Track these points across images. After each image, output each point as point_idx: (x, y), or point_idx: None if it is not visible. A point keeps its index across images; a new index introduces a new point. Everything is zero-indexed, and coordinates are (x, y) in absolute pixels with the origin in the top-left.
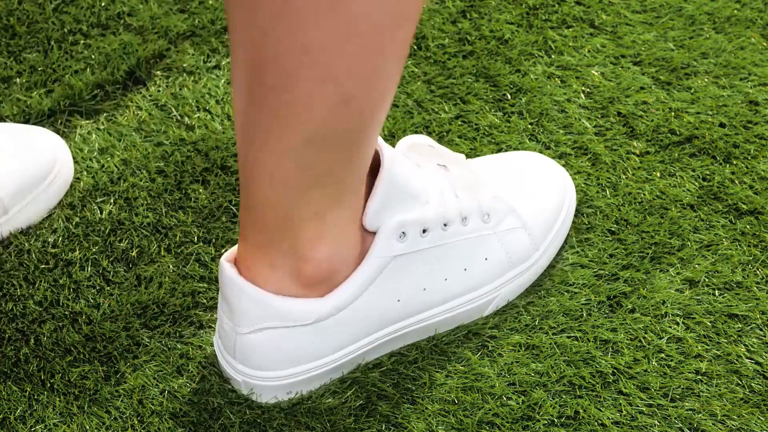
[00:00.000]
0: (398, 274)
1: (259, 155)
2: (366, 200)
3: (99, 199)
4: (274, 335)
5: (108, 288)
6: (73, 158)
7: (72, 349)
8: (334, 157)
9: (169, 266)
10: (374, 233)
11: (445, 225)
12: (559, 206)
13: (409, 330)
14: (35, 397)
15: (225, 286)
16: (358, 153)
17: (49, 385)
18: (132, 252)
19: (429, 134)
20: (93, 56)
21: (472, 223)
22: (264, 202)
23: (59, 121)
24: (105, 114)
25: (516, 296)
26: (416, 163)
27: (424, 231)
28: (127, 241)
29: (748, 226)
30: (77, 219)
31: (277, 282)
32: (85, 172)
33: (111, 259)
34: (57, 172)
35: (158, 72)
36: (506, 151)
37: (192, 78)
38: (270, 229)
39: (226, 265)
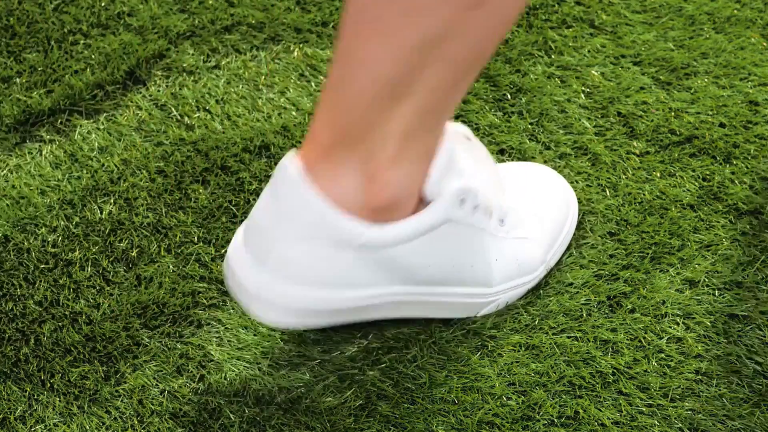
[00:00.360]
0: (443, 239)
1: (367, 47)
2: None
3: (99, 199)
4: (317, 248)
5: (108, 288)
6: (74, 158)
7: (72, 349)
8: (444, 71)
9: (169, 266)
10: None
11: (488, 212)
12: (563, 220)
13: (415, 300)
14: (35, 397)
15: (283, 184)
16: (465, 79)
17: (49, 385)
18: (132, 252)
19: None
20: (93, 56)
21: (494, 221)
22: (356, 102)
23: (59, 121)
24: (105, 114)
25: (507, 305)
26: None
27: (475, 207)
28: (127, 241)
29: (748, 226)
30: (77, 219)
31: (338, 195)
32: (85, 172)
33: (111, 259)
34: None
35: (158, 72)
36: (507, 150)
37: (192, 78)
38: (351, 134)
39: (290, 164)
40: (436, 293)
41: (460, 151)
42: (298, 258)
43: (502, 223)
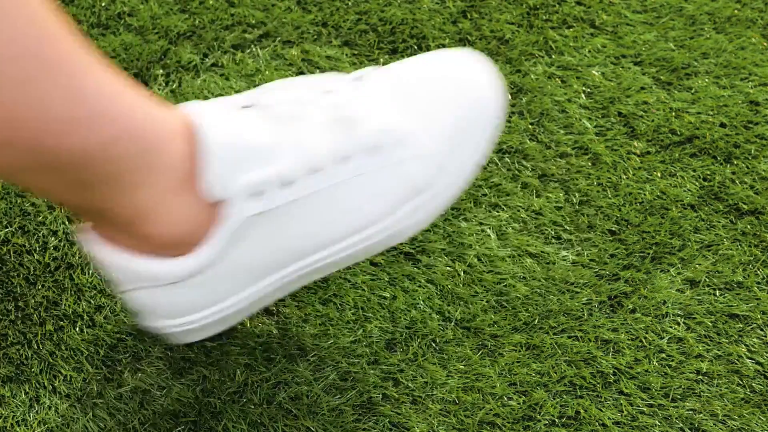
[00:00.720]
0: (267, 228)
1: None
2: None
3: None
4: (151, 293)
5: (109, 290)
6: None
7: (74, 351)
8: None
9: None
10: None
11: (314, 171)
12: (460, 114)
13: (308, 269)
14: (37, 399)
15: (89, 252)
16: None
17: (51, 387)
18: None
19: None
20: None
21: (354, 162)
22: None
23: None
24: None
25: (438, 214)
26: (267, 113)
27: (283, 185)
28: None
29: (748, 226)
30: (78, 222)
31: (132, 246)
32: None
33: None
34: None
35: (159, 71)
36: (507, 151)
37: (192, 76)
38: (86, 217)
39: (79, 236)
40: (324, 257)
41: (240, 133)
42: (142, 304)
43: (373, 152)
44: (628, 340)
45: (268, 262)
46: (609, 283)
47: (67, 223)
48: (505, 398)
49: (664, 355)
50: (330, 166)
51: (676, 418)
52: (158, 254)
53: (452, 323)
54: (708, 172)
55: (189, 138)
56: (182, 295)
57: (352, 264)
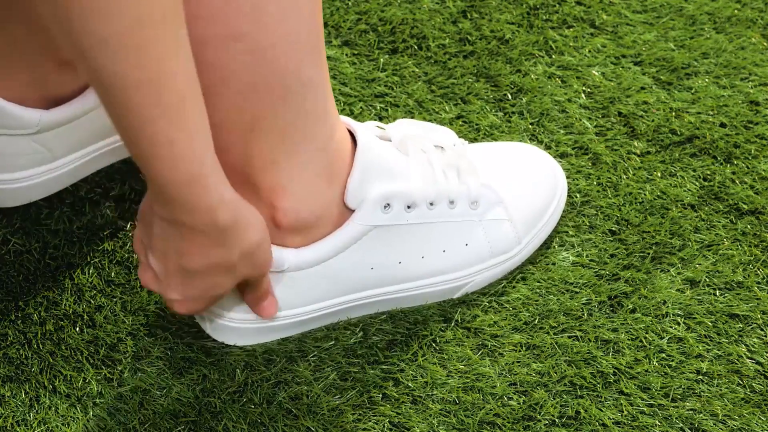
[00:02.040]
0: (377, 243)
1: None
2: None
3: (100, 201)
4: None
5: (109, 290)
6: None
7: (74, 351)
8: (260, 101)
9: None
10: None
11: (431, 204)
12: (548, 202)
13: (377, 300)
14: (37, 399)
15: None
16: (285, 98)
17: (51, 387)
18: (134, 254)
19: None
20: None
21: (459, 207)
22: (223, 147)
23: None
24: None
25: (488, 284)
26: (400, 142)
27: (408, 207)
28: (129, 244)
29: (748, 226)
30: (78, 222)
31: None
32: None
33: (113, 261)
34: None
35: None
36: None
37: None
38: (234, 173)
39: None
40: (395, 291)
41: (387, 150)
42: (235, 289)
43: (474, 206)
44: (628, 340)
45: (361, 279)
46: (609, 283)
47: (67, 222)
48: (506, 398)
49: (664, 355)
50: (442, 204)
51: (676, 418)
52: (278, 237)
53: (452, 323)
54: (708, 172)
55: (347, 144)
56: (278, 288)
57: (407, 306)
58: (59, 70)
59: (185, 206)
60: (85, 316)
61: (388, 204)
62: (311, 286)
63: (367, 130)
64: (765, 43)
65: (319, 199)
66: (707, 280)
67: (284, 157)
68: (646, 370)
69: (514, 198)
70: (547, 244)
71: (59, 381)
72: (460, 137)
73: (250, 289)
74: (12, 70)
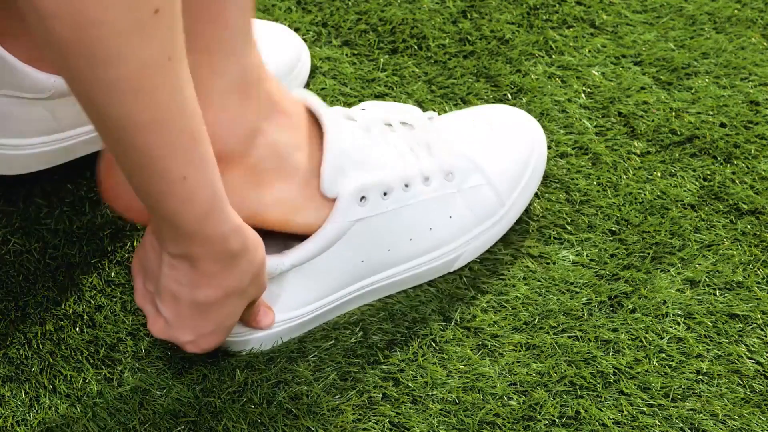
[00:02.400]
0: (361, 236)
1: None
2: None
3: (100, 200)
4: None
5: (109, 290)
6: (72, 161)
7: (74, 351)
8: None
9: None
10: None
11: (406, 186)
12: (526, 160)
13: (373, 288)
14: (37, 399)
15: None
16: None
17: (51, 387)
18: (133, 254)
19: None
20: None
21: (434, 183)
22: None
23: None
24: None
25: (483, 251)
26: (366, 127)
27: (384, 194)
28: (129, 244)
29: (748, 226)
30: (78, 222)
31: None
32: (88, 173)
33: (113, 261)
34: (302, 63)
35: None
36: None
37: None
38: None
39: None
40: (390, 275)
41: (357, 135)
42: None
43: (450, 177)
44: (628, 340)
45: (353, 272)
46: (609, 283)
47: (67, 222)
48: (506, 398)
49: (664, 355)
50: (416, 184)
51: (676, 418)
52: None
53: (452, 323)
54: (708, 172)
55: (316, 138)
56: (270, 292)
57: (407, 287)
58: None
59: (200, 238)
60: (85, 316)
61: (364, 197)
62: (304, 287)
63: (333, 113)
64: (765, 43)
65: (305, 204)
66: (707, 280)
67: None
68: (646, 370)
69: (489, 161)
70: (546, 242)
71: (59, 381)
72: None
73: (246, 308)
74: (28, 28)
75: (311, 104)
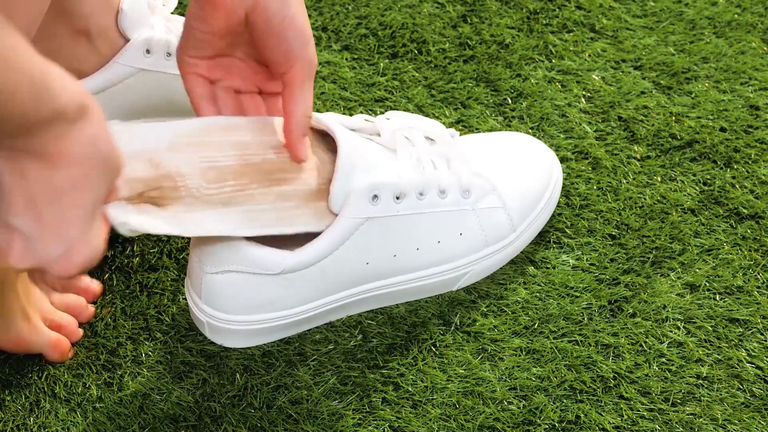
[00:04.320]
0: (370, 238)
1: None
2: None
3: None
4: (239, 279)
5: (110, 296)
6: None
7: (74, 356)
8: None
9: (170, 272)
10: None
11: (420, 194)
12: (542, 190)
13: (375, 294)
14: (38, 404)
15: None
16: None
17: (51, 392)
18: (133, 259)
19: None
20: None
21: (450, 197)
22: None
23: None
24: None
25: (488, 274)
26: (387, 140)
27: (397, 198)
28: (128, 249)
29: (748, 231)
30: None
31: None
32: None
33: (112, 267)
34: None
35: None
36: None
37: None
38: None
39: None
40: (392, 283)
41: (367, 147)
42: (223, 289)
43: (466, 194)
44: (628, 344)
45: (357, 273)
46: (609, 288)
47: None
48: (506, 402)
49: (664, 360)
50: (432, 194)
51: (677, 423)
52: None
53: (452, 327)
54: (708, 177)
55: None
56: (270, 290)
57: (408, 299)
58: (74, 41)
59: (35, 125)
60: (85, 323)
61: (376, 195)
62: (308, 286)
63: (347, 132)
64: (765, 48)
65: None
66: (707, 284)
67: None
68: (646, 375)
69: (507, 185)
70: (546, 246)
71: (59, 386)
72: None
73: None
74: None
75: (327, 124)
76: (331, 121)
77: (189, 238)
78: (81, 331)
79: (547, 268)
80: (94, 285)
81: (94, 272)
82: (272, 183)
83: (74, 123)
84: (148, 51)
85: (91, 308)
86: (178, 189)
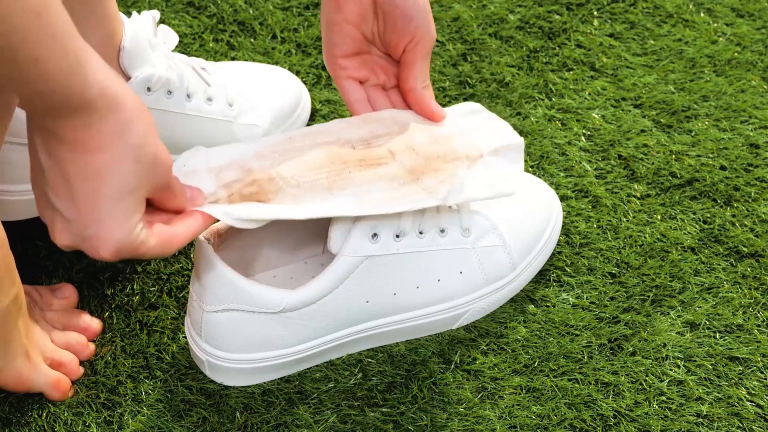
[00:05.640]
0: (370, 276)
1: None
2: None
3: None
4: (239, 318)
5: (109, 335)
6: None
7: (74, 395)
8: None
9: (170, 310)
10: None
11: (420, 233)
12: (542, 229)
13: (375, 332)
14: None
15: (198, 261)
16: None
17: (51, 431)
18: (133, 298)
19: None
20: None
21: (450, 235)
22: None
23: None
24: None
25: (488, 313)
26: None
27: (397, 236)
28: (129, 287)
29: (748, 269)
30: (78, 265)
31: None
32: None
33: (112, 306)
34: (302, 106)
35: None
36: None
37: None
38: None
39: (202, 240)
40: (392, 322)
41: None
42: (223, 328)
43: (466, 233)
44: (629, 382)
45: (357, 312)
46: (609, 326)
47: (67, 265)
48: None
49: (664, 398)
50: (432, 233)
51: None
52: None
53: (452, 366)
54: (708, 215)
55: None
56: (270, 328)
57: (408, 338)
58: None
59: (68, 109)
60: (86, 362)
61: (376, 234)
62: (307, 324)
63: None
64: (765, 86)
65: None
66: (707, 322)
67: None
68: (647, 413)
69: (507, 224)
70: (546, 284)
71: (59, 425)
72: None
73: (166, 197)
74: None
75: None
76: None
77: (189, 276)
78: (82, 369)
79: (547, 306)
80: (95, 323)
81: (95, 312)
82: (368, 166)
83: (103, 117)
84: (149, 89)
85: (92, 346)
86: (274, 180)
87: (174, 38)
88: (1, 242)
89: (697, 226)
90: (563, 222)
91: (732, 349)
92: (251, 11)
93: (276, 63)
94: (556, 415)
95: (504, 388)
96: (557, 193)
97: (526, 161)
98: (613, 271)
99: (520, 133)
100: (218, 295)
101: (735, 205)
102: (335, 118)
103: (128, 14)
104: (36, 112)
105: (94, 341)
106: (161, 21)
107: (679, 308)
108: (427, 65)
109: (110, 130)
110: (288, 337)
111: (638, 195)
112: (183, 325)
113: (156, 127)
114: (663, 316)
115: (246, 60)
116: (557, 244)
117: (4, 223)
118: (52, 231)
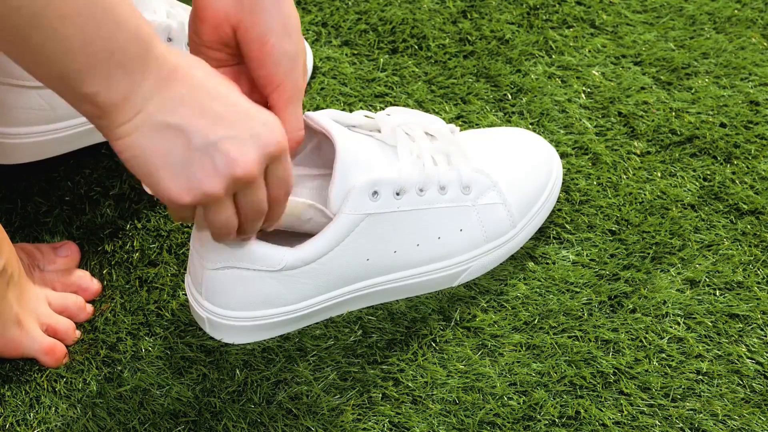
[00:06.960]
0: (371, 234)
1: None
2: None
3: (99, 200)
4: (240, 275)
5: (109, 292)
6: (72, 158)
7: (74, 352)
8: None
9: (170, 267)
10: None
11: (421, 190)
12: (542, 186)
13: (376, 290)
14: (38, 400)
15: (199, 219)
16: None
17: (51, 388)
18: (133, 254)
19: None
20: None
21: (450, 193)
22: None
23: None
24: None
25: (488, 270)
26: (387, 136)
27: (397, 194)
28: (129, 244)
29: (748, 226)
30: (78, 221)
31: None
32: (87, 170)
33: (112, 262)
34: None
35: None
36: None
37: None
38: None
39: None
40: (392, 279)
41: (366, 144)
42: (223, 285)
43: (466, 191)
44: (628, 340)
45: (357, 270)
46: (609, 283)
47: (67, 222)
48: (505, 398)
49: (664, 355)
50: (432, 190)
51: (676, 418)
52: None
53: (452, 323)
54: (708, 172)
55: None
56: (270, 286)
57: (408, 295)
58: None
59: (146, 89)
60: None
61: (376, 191)
62: (308, 282)
63: (344, 133)
64: (765, 43)
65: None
66: (707, 280)
67: None
68: (646, 370)
69: (507, 181)
70: (546, 241)
71: (59, 382)
72: None
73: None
74: None
75: (324, 126)
76: (328, 121)
77: (188, 234)
78: (78, 334)
79: (547, 263)
80: (94, 284)
81: (94, 269)
82: None
83: (167, 50)
84: None
85: (90, 308)
86: None
87: None
88: None
89: (697, 184)
90: (563, 179)
91: (732, 306)
92: None
93: None
94: (556, 373)
95: (504, 346)
96: (557, 151)
97: (526, 118)
98: (613, 228)
99: (520, 90)
100: (219, 253)
101: (735, 162)
102: (335, 75)
103: None
104: (139, 95)
105: (92, 302)
106: None
107: (679, 265)
108: (297, 113)
109: (179, 53)
110: (288, 295)
111: (638, 152)
112: (183, 282)
113: None
114: (663, 274)
115: None
116: (557, 202)
117: (4, 167)
118: (233, 165)
